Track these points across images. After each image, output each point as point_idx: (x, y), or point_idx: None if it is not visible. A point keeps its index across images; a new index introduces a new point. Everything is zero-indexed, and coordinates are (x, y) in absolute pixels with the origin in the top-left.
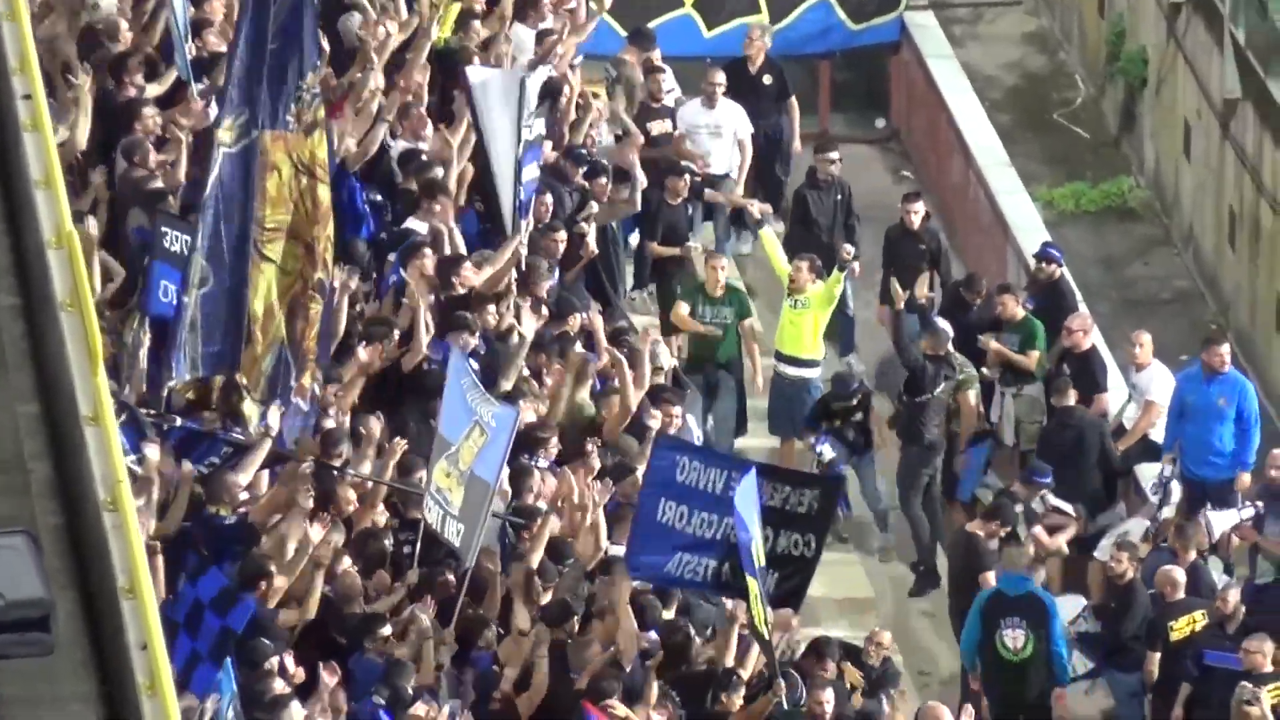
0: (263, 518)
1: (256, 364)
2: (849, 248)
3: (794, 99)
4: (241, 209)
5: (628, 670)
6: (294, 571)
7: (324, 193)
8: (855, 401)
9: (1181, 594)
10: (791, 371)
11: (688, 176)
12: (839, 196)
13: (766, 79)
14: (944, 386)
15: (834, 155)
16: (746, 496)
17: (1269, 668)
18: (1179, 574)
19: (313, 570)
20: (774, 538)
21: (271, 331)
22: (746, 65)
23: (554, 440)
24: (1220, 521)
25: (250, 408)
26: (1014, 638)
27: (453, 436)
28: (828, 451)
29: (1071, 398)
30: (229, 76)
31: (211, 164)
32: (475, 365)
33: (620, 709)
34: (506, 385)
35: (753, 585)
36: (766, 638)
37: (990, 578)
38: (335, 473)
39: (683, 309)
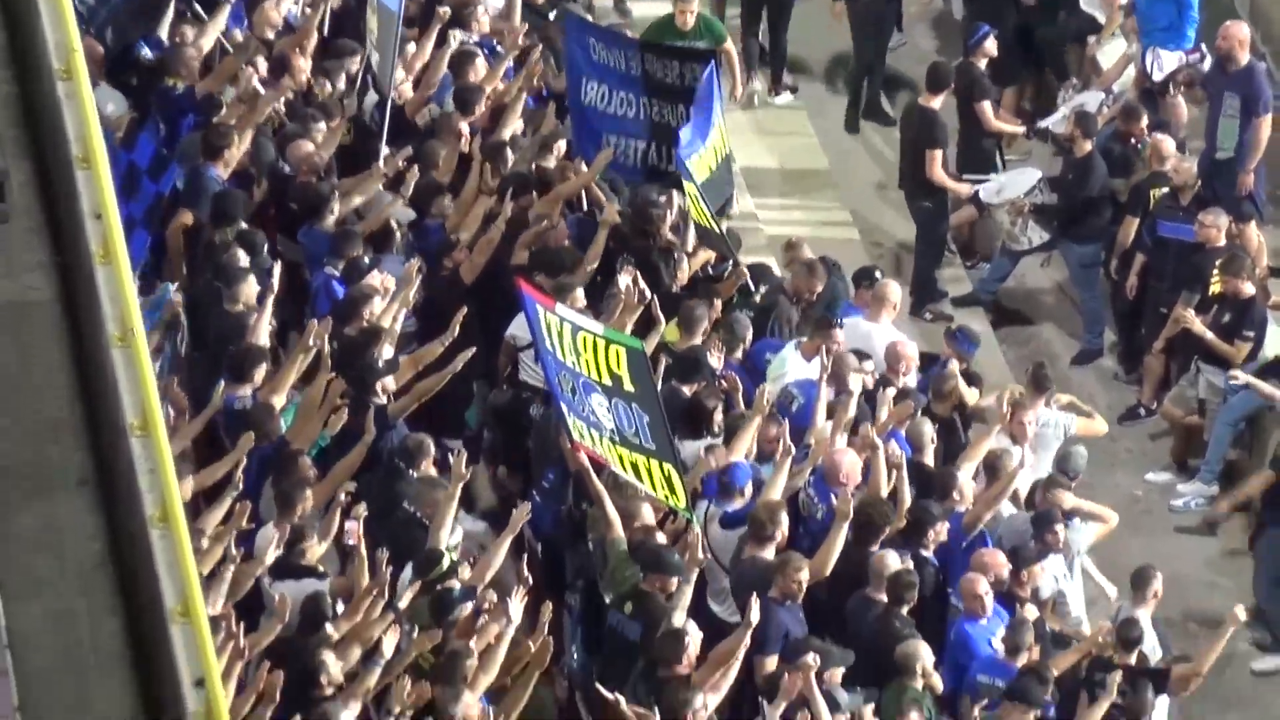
0: (214, 88)
1: None
2: None
3: None
4: None
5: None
6: (246, 134)
7: None
8: None
9: (1169, 165)
10: None
11: None
12: None
13: None
14: None
15: None
16: (706, 86)
17: (1222, 241)
18: (1170, 145)
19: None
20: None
21: None
22: None
23: None
24: (1168, 63)
25: None
26: None
27: None
28: None
29: None
30: None
31: None
32: None
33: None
34: None
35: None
36: (714, 230)
37: (939, 154)
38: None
39: None
